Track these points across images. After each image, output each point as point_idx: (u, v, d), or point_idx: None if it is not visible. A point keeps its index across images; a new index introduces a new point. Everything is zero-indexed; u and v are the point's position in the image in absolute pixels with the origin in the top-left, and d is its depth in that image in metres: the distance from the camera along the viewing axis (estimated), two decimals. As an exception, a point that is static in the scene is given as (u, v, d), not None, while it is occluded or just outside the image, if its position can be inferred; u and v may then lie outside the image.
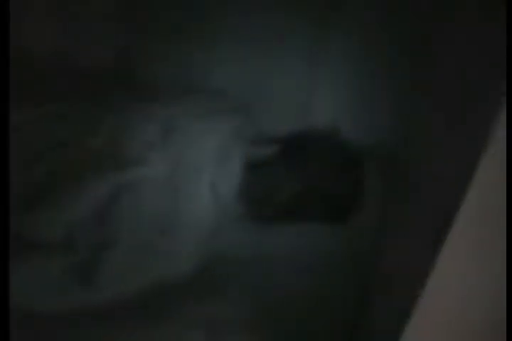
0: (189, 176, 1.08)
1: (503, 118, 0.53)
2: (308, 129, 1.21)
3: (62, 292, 0.93)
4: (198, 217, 1.06)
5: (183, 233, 1.05)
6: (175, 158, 1.08)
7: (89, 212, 1.00)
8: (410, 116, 1.05)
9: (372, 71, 1.18)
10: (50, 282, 0.93)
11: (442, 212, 0.62)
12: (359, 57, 1.19)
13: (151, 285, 0.99)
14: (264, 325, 0.97)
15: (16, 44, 0.83)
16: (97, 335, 0.90)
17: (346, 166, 1.14)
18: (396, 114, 1.13)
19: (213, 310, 0.98)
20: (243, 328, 0.96)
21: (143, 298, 0.97)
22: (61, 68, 1.23)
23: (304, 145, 1.16)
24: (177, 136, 1.11)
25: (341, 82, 1.24)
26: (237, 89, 1.22)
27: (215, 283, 1.03)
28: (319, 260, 1.08)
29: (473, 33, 0.70)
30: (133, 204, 1.03)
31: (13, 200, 0.92)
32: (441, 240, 0.60)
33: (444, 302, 0.65)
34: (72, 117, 1.09)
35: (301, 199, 1.12)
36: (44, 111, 1.08)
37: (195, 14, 1.19)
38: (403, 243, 0.89)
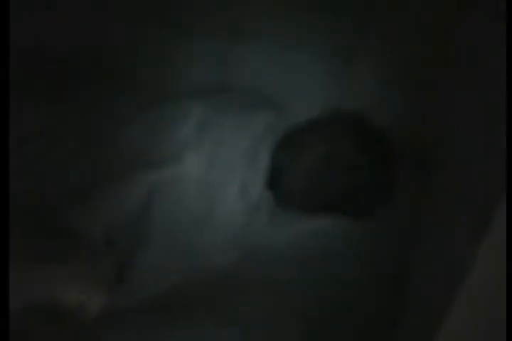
0: (223, 174, 1.09)
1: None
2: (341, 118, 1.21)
3: (106, 290, 0.94)
4: (231, 216, 1.07)
5: (217, 232, 1.06)
6: (209, 156, 1.10)
7: (126, 211, 1.02)
8: (448, 114, 1.05)
9: (406, 69, 1.18)
10: (95, 280, 0.94)
11: (477, 211, 0.61)
12: (393, 53, 1.19)
13: (185, 283, 0.99)
14: (295, 323, 0.97)
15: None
16: (137, 334, 0.91)
17: (379, 157, 1.14)
18: (433, 112, 1.14)
19: (247, 308, 0.98)
20: (276, 326, 0.96)
21: (177, 297, 0.98)
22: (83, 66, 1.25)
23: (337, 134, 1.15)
24: (211, 133, 1.12)
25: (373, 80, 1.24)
26: (269, 86, 1.23)
27: (248, 281, 1.03)
28: (351, 255, 1.07)
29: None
30: (168, 203, 1.05)
31: (53, 199, 0.96)
32: (476, 239, 0.59)
33: (479, 300, 0.63)
34: (103, 116, 1.12)
35: (334, 191, 1.12)
36: (75, 110, 1.11)
37: (229, 14, 1.20)
38: (437, 240, 0.88)
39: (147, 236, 1.02)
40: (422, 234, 1.03)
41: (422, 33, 1.13)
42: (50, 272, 0.88)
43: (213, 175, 1.09)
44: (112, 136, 1.09)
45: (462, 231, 0.68)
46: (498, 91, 0.64)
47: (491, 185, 0.60)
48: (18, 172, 0.94)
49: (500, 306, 0.58)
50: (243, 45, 1.22)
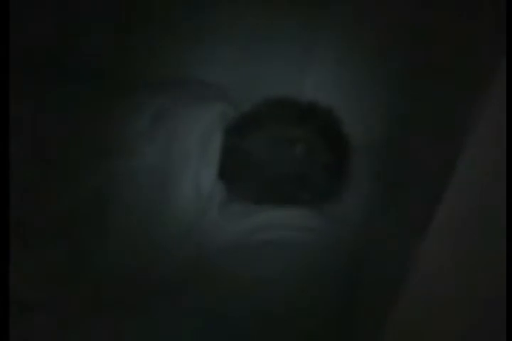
0: (177, 165, 1.09)
1: (490, 112, 0.55)
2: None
3: (65, 280, 0.93)
4: (184, 207, 1.06)
5: (171, 224, 1.05)
6: (163, 146, 1.09)
7: (81, 201, 1.02)
8: (404, 104, 1.06)
9: (365, 61, 1.19)
10: (51, 271, 0.93)
11: (427, 202, 0.64)
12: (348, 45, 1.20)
13: (142, 274, 0.99)
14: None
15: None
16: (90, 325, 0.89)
17: (333, 146, 1.14)
18: (389, 102, 1.14)
19: (202, 299, 0.96)
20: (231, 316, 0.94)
21: (132, 287, 0.97)
22: (51, 62, 1.24)
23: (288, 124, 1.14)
24: (165, 125, 1.11)
25: (331, 71, 1.25)
26: (223, 78, 1.24)
27: (204, 273, 1.01)
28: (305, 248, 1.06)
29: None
30: (123, 193, 1.04)
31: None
32: (426, 229, 0.62)
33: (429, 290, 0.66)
34: (57, 105, 1.11)
35: (286, 179, 1.11)
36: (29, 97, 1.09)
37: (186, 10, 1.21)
38: (391, 230, 0.89)
39: (102, 226, 1.01)
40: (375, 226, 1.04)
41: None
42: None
43: (167, 166, 1.08)
44: (65, 125, 1.08)
45: (416, 208, 0.71)
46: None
47: (437, 177, 0.63)
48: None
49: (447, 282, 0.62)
50: (201, 37, 1.23)
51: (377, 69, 1.16)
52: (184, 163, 1.09)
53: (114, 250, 0.98)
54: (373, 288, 0.90)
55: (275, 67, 1.26)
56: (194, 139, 1.10)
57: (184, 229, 1.05)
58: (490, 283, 0.61)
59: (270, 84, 1.24)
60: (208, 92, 1.22)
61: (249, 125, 1.15)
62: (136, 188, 1.05)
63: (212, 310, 0.93)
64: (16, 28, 0.88)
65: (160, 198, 1.05)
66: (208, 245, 1.04)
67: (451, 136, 0.63)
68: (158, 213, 1.04)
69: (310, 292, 0.98)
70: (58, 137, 1.05)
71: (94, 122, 1.08)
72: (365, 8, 1.14)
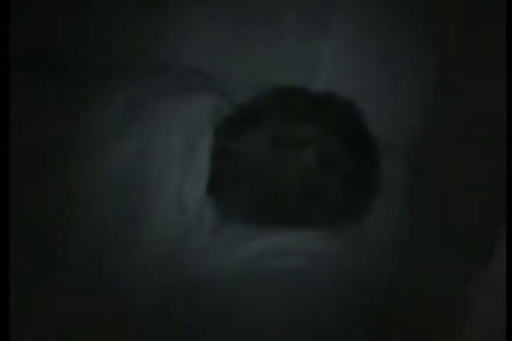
0: (155, 173, 0.98)
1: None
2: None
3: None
4: (165, 228, 0.96)
5: (146, 248, 0.94)
6: (138, 149, 0.99)
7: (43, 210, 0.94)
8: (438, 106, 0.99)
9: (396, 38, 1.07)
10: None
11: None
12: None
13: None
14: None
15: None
16: None
17: (354, 149, 1.02)
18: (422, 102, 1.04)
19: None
20: None
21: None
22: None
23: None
24: (142, 121, 1.01)
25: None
26: (214, 64, 1.15)
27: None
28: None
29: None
30: (86, 205, 0.95)
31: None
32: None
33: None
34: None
35: (294, 192, 1.00)
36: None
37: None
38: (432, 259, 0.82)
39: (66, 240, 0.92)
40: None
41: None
42: None
43: (143, 173, 0.98)
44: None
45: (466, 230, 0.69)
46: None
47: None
48: None
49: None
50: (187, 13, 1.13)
51: (410, 48, 1.06)
52: (165, 171, 0.98)
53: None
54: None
55: (279, 49, 1.14)
56: (177, 140, 1.00)
57: (162, 256, 0.95)
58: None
59: (273, 71, 1.13)
60: (196, 82, 1.12)
61: (246, 122, 1.03)
62: (100, 200, 0.95)
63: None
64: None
65: (132, 216, 0.95)
66: (193, 277, 0.94)
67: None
68: (130, 234, 0.94)
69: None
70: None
71: (59, 115, 1.01)
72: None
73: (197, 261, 0.95)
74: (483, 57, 0.81)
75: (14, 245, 0.86)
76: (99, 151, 0.97)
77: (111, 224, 0.95)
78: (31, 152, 0.97)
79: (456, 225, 0.76)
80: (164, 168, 0.98)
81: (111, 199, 0.96)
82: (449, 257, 0.75)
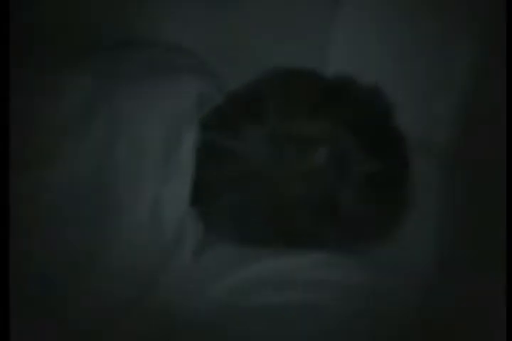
0: (126, 177, 0.85)
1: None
2: None
3: None
4: (138, 246, 0.83)
5: (116, 276, 0.82)
6: (107, 145, 0.85)
7: None
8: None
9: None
10: None
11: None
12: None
13: None
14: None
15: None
16: None
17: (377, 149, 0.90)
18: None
19: None
20: None
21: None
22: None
23: None
24: (112, 110, 0.88)
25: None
26: (202, 42, 1.05)
27: None
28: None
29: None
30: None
31: None
32: None
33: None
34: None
35: (300, 205, 0.85)
36: None
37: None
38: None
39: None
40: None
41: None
42: None
43: (111, 179, 0.85)
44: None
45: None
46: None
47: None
48: None
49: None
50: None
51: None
52: (138, 174, 0.85)
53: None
54: None
55: (280, 25, 1.05)
56: (155, 135, 0.87)
57: (134, 286, 0.82)
58: None
59: (273, 51, 1.05)
60: (179, 63, 0.98)
61: (240, 114, 0.89)
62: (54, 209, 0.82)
63: None
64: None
65: (95, 232, 0.82)
66: (168, 321, 0.81)
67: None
68: (96, 255, 0.82)
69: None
70: None
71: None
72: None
73: (173, 300, 0.81)
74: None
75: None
76: (53, 146, 0.83)
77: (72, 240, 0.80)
78: None
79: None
80: (137, 172, 0.85)
81: (65, 212, 0.82)
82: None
